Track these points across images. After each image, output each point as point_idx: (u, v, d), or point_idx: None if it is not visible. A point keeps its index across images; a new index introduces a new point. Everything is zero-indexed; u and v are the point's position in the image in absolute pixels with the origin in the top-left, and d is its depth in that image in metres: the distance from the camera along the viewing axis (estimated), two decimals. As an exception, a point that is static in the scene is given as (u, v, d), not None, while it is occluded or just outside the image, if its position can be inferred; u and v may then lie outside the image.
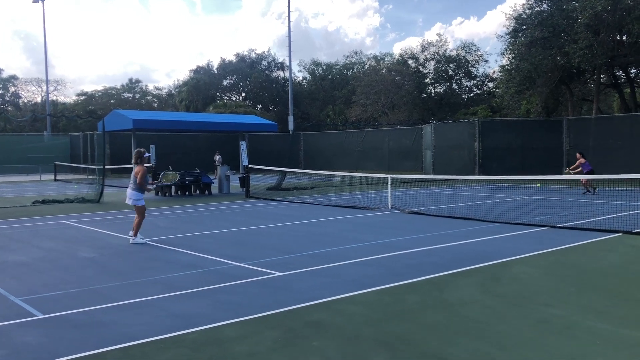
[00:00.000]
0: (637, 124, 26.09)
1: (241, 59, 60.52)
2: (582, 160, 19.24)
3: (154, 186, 12.52)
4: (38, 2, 46.26)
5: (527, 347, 4.59)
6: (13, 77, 68.61)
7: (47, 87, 51.38)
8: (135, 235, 9.97)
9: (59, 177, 33.71)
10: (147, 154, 10.39)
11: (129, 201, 10.15)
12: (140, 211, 10.04)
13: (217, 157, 26.05)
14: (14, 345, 4.79)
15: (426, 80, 50.19)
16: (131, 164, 10.69)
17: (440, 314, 5.56)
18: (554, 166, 19.99)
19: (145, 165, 10.23)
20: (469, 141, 29.33)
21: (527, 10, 30.09)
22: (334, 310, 5.69)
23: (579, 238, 9.91)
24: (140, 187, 10.06)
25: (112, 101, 67.12)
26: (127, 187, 10.32)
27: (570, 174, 18.98)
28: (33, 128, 56.95)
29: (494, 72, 47.58)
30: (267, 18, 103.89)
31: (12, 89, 68.81)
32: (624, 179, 11.50)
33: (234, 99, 61.31)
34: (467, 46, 48.82)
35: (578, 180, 18.75)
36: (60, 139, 45.15)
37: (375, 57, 58.71)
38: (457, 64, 48.88)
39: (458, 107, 47.06)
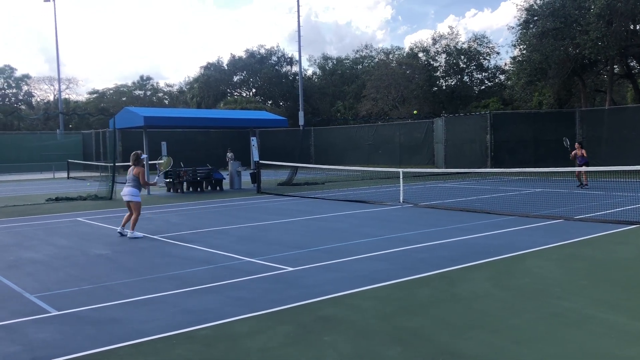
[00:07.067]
0: (652, 114, 25.74)
1: (251, 54, 60.51)
2: (578, 152, 18.49)
3: (156, 179, 13.08)
4: (49, 0, 46.51)
5: (541, 341, 4.55)
6: (26, 76, 69.33)
7: (60, 86, 51.78)
8: (133, 229, 10.32)
9: (72, 174, 34.02)
10: (143, 156, 10.99)
11: (127, 197, 10.50)
12: (138, 207, 10.46)
13: (229, 155, 26.47)
14: (29, 341, 4.83)
15: (437, 74, 49.87)
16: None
17: (452, 308, 5.53)
18: (567, 158, 19.73)
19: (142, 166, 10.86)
20: (480, 134, 29.09)
21: (538, 1, 29.78)
22: (346, 305, 5.68)
23: (594, 230, 9.80)
24: (144, 186, 10.67)
25: (123, 99, 67.51)
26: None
27: (576, 163, 18.54)
28: (46, 126, 57.51)
29: (505, 64, 47.23)
30: (277, 12, 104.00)
31: (25, 87, 69.51)
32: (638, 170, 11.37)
33: (244, 95, 61.38)
34: (479, 38, 48.50)
35: (589, 171, 18.52)
36: (72, 137, 45.50)
37: (384, 50, 58.51)
38: (469, 57, 48.50)
39: (469, 100, 46.71)
